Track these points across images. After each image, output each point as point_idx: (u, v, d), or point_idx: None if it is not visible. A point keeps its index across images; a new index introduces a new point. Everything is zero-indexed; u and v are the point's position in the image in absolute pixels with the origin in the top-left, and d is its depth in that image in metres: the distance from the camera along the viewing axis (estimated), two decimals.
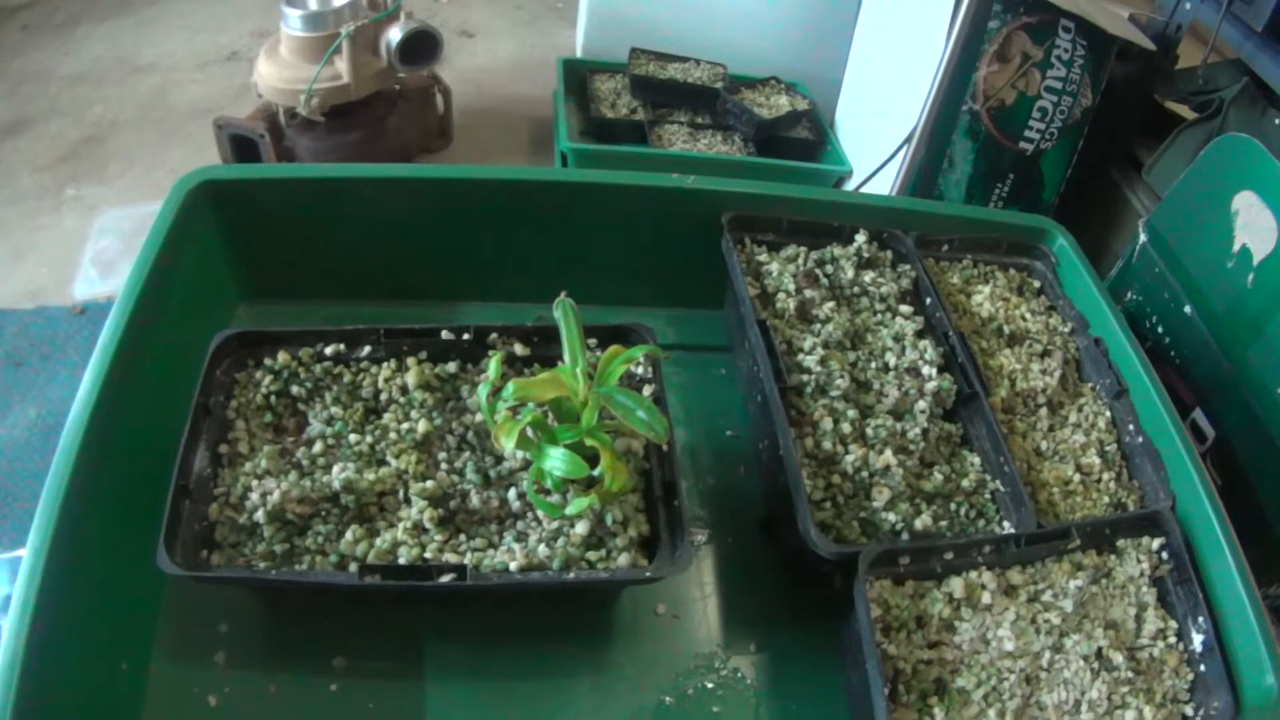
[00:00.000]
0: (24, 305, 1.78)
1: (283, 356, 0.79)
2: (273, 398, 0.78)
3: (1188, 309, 1.02)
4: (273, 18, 2.10)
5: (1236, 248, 0.97)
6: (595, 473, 0.67)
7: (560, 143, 1.86)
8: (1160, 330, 1.06)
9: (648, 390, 0.79)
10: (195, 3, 2.71)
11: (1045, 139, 1.59)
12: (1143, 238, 1.10)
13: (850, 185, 1.89)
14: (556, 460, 0.66)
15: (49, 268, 1.86)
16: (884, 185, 1.71)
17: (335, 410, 0.77)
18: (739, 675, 0.76)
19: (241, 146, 1.94)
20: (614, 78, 2.11)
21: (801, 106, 2.07)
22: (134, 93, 2.34)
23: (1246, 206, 0.96)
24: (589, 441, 0.67)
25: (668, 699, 0.74)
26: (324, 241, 0.96)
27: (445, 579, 0.65)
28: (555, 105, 2.00)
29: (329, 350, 0.79)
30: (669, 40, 2.11)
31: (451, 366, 0.81)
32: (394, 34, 1.88)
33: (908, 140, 1.61)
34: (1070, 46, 1.53)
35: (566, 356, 0.71)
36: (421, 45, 1.93)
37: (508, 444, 0.65)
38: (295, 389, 0.78)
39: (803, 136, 2.05)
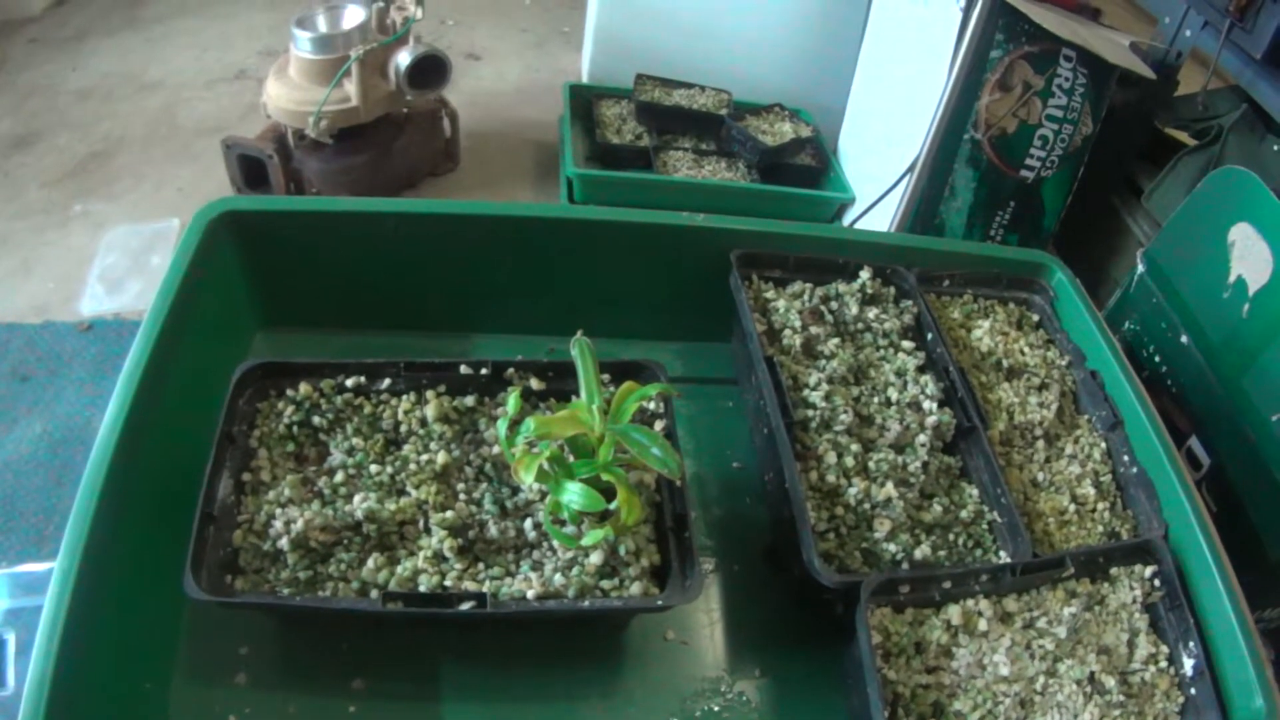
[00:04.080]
0: (30, 320, 1.78)
1: (304, 387, 0.81)
2: (295, 427, 0.80)
3: (1184, 338, 1.04)
4: (281, 37, 2.11)
5: (1233, 278, 0.99)
6: (610, 506, 0.70)
7: (566, 168, 1.88)
8: (1157, 359, 1.08)
9: (659, 425, 0.81)
10: (204, 20, 2.73)
11: (1046, 167, 1.61)
12: (1140, 268, 1.12)
13: (852, 213, 1.91)
14: (574, 494, 0.68)
15: (55, 283, 1.86)
16: (886, 213, 1.73)
17: (356, 441, 0.79)
18: (744, 699, 0.78)
19: (250, 166, 1.95)
20: (619, 103, 2.13)
21: (805, 133, 2.08)
22: (142, 109, 2.35)
23: (1243, 238, 0.98)
24: (605, 476, 0.70)
25: None
26: (341, 272, 0.98)
27: (466, 606, 0.68)
28: (561, 131, 2.02)
29: (350, 382, 0.82)
30: (674, 66, 2.13)
31: (469, 400, 0.83)
32: (403, 58, 1.90)
33: (910, 168, 1.63)
34: (1071, 75, 1.55)
35: (583, 393, 0.73)
36: (430, 69, 1.94)
37: (527, 477, 0.68)
38: (316, 419, 0.80)
39: (806, 163, 2.07)
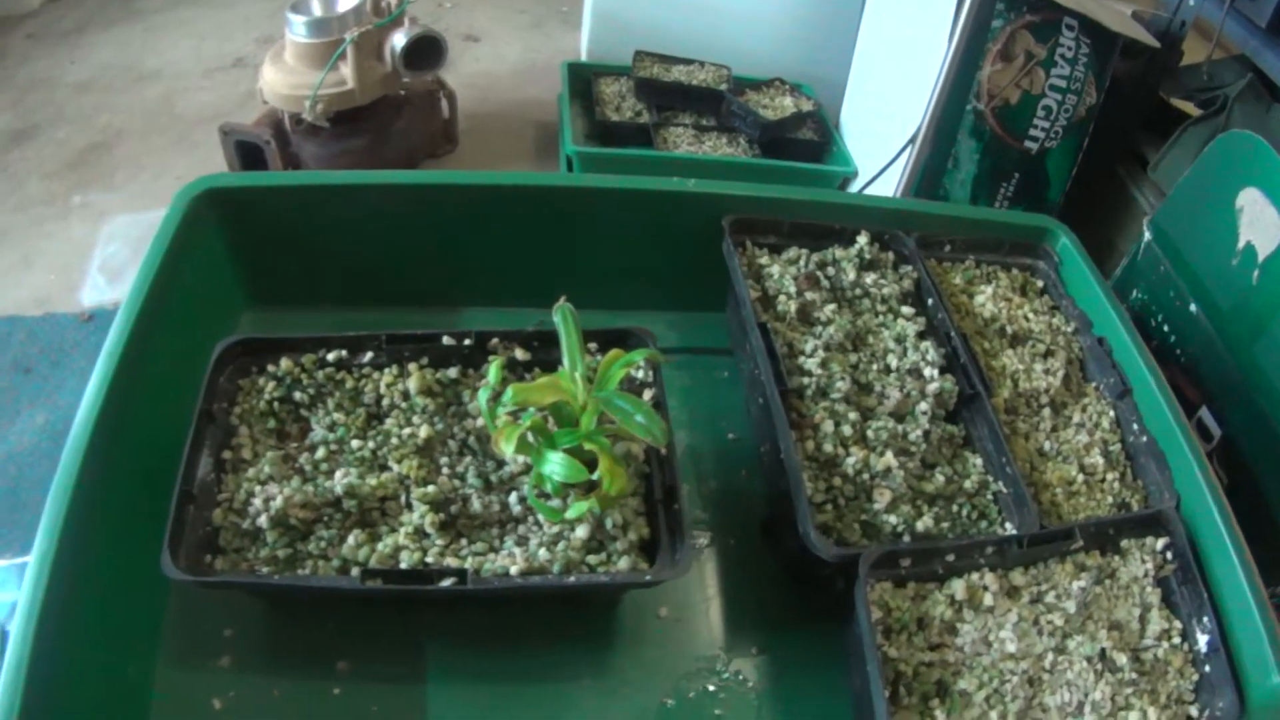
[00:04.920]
0: (31, 312, 1.79)
1: (285, 363, 0.79)
2: (276, 404, 0.78)
3: (1193, 307, 1.02)
4: (278, 25, 2.10)
5: (1241, 245, 0.96)
6: (595, 476, 0.67)
7: (565, 146, 1.87)
8: (1166, 329, 1.06)
9: (648, 394, 0.79)
10: (201, 10, 2.73)
11: (1050, 137, 1.59)
12: (1147, 236, 1.10)
13: (855, 186, 1.89)
14: (555, 464, 0.66)
15: (56, 275, 1.87)
16: (889, 185, 1.71)
17: (338, 416, 0.77)
18: (741, 678, 0.76)
19: (248, 153, 1.95)
20: (619, 81, 2.11)
21: (806, 107, 2.07)
22: (140, 100, 2.35)
23: (1250, 203, 0.96)
24: (588, 445, 0.68)
25: (670, 702, 0.74)
26: (327, 248, 0.96)
27: (446, 583, 0.66)
28: (560, 109, 2.00)
29: (331, 356, 0.80)
30: (673, 43, 2.12)
31: (453, 372, 0.81)
32: (398, 39, 1.89)
33: (912, 140, 1.61)
34: (1074, 44, 1.53)
35: (566, 361, 0.71)
36: (426, 50, 1.94)
37: (507, 448, 0.65)
38: (298, 395, 0.78)
39: (808, 138, 2.05)
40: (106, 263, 1.91)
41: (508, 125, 2.36)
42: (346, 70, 1.87)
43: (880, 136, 1.81)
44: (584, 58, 2.24)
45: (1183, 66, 1.63)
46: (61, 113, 2.28)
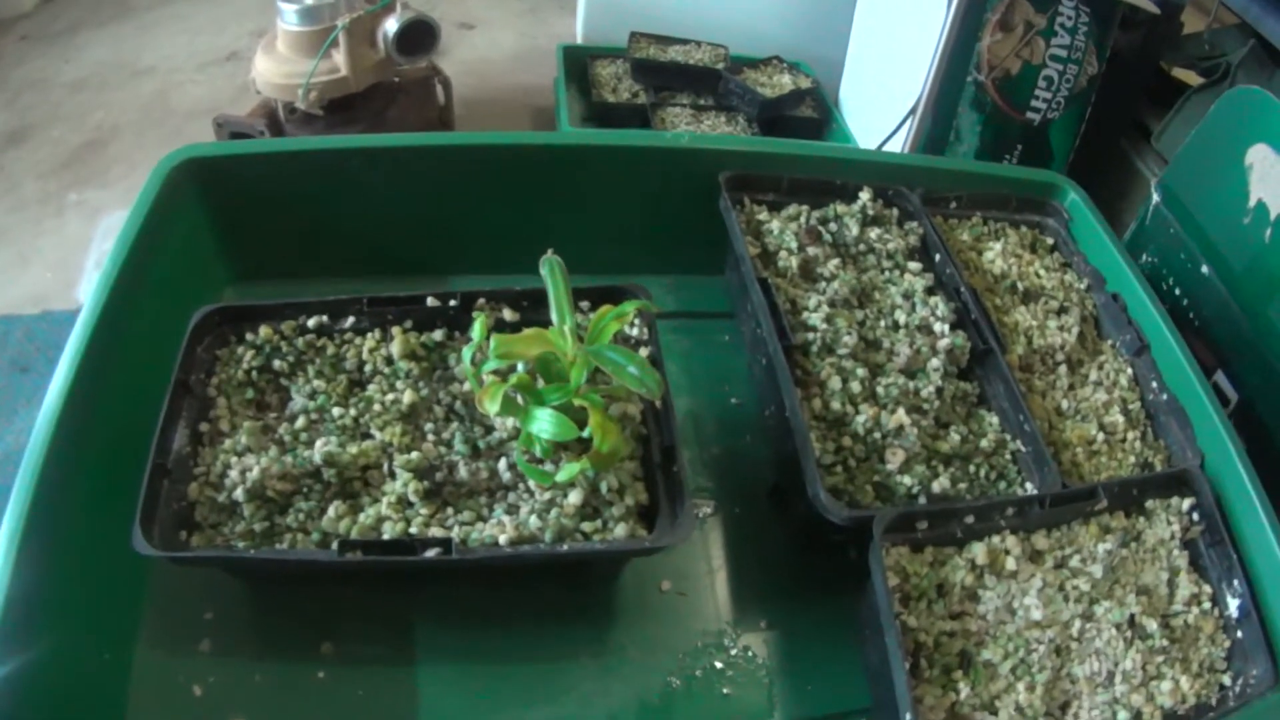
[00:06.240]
0: (29, 311, 1.76)
1: (264, 330, 0.75)
2: (254, 373, 0.75)
3: (1205, 269, 0.99)
4: (270, 17, 2.09)
5: (1252, 203, 0.93)
6: (586, 434, 0.63)
7: (562, 128, 1.84)
8: (1178, 292, 1.03)
9: (644, 352, 0.75)
10: (194, 5, 2.71)
11: (1052, 109, 1.57)
12: (1155, 198, 1.07)
13: None
14: (544, 421, 0.62)
15: (53, 273, 1.85)
16: None
17: (318, 384, 0.74)
18: (750, 654, 0.73)
19: None
20: (615, 63, 2.08)
21: (805, 85, 2.04)
22: (135, 96, 2.33)
23: (1260, 160, 0.93)
24: (578, 402, 0.64)
25: (674, 681, 0.71)
26: (312, 217, 0.93)
27: (430, 554, 0.62)
28: (557, 93, 1.97)
29: (312, 322, 0.76)
30: (669, 23, 2.09)
31: (438, 335, 0.77)
32: (390, 25, 1.86)
33: (912, 111, 1.58)
34: (1074, 13, 1.51)
35: (554, 314, 0.68)
36: (419, 35, 1.91)
37: (491, 407, 0.62)
38: (277, 363, 0.75)
39: (807, 115, 2.02)
40: (102, 259, 1.88)
41: (504, 111, 2.34)
42: (339, 57, 1.84)
43: (881, 113, 1.78)
44: (579, 41, 2.21)
45: (1184, 35, 1.61)
46: (56, 112, 2.27)
